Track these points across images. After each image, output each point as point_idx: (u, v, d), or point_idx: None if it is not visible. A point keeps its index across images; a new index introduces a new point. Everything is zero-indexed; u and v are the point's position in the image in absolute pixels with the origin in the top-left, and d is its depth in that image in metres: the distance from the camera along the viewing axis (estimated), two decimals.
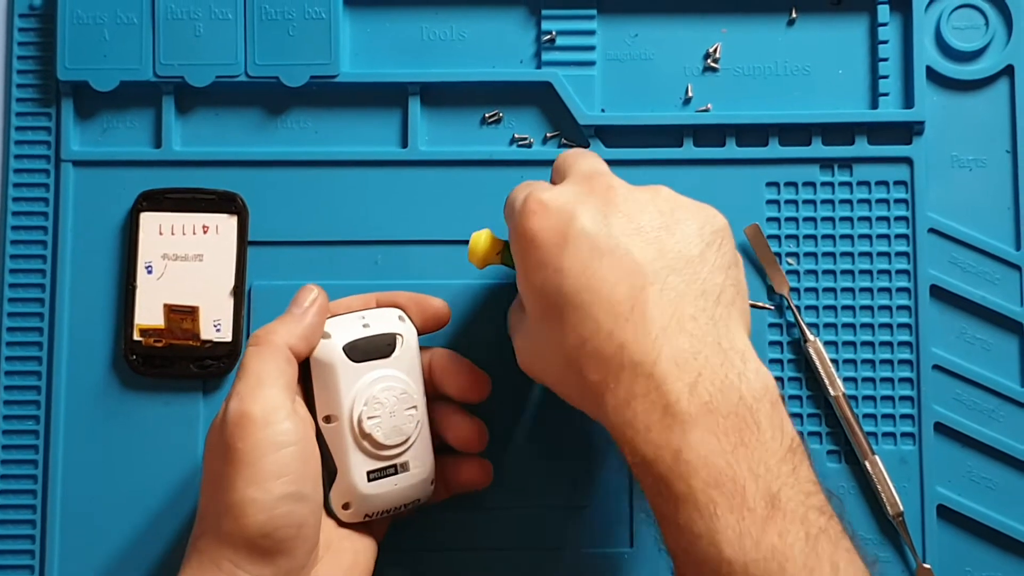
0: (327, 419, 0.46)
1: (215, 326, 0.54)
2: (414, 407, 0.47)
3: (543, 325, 0.43)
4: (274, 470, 0.41)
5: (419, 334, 0.49)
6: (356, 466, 0.46)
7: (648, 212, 0.43)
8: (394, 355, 0.47)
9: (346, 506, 0.47)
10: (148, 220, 0.55)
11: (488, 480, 0.50)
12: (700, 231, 0.44)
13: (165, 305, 0.54)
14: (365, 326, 0.47)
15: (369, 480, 0.46)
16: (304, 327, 0.46)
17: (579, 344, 0.41)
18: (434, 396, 0.50)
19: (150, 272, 0.55)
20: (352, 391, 0.46)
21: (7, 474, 0.54)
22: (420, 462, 0.48)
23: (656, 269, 0.42)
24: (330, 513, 0.47)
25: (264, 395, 0.42)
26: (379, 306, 0.49)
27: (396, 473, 0.47)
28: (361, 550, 0.47)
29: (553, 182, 0.48)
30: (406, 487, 0.47)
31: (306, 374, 0.46)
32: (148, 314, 0.54)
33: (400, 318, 0.48)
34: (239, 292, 0.55)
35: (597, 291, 0.41)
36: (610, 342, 0.40)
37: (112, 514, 0.54)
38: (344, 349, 0.46)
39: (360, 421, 0.45)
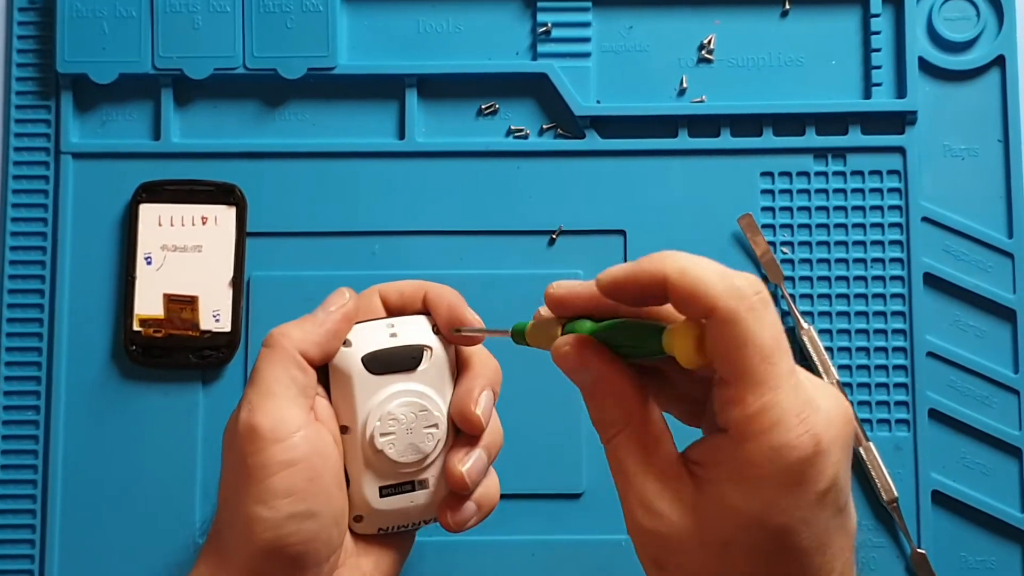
0: (344, 429, 0.43)
1: (214, 316, 0.55)
2: (435, 425, 0.43)
3: (745, 558, 0.34)
4: (282, 488, 0.40)
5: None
6: (369, 480, 0.43)
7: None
8: (419, 369, 0.43)
9: (358, 519, 0.44)
10: (147, 211, 0.55)
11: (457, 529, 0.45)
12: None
13: (165, 295, 0.55)
14: (392, 335, 0.43)
15: (381, 496, 0.43)
16: (322, 333, 0.42)
17: None
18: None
19: (149, 263, 0.55)
20: (367, 405, 0.43)
21: (8, 464, 0.55)
22: (439, 480, 0.44)
23: (855, 525, 0.36)
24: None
25: (273, 407, 0.40)
26: (428, 295, 0.45)
27: (413, 490, 0.44)
28: (382, 563, 0.45)
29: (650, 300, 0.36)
30: (424, 504, 0.44)
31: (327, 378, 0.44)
32: (148, 305, 0.55)
33: (435, 328, 0.44)
34: (238, 283, 0.55)
35: (824, 559, 0.34)
36: None
37: (112, 503, 0.54)
38: (363, 360, 0.43)
39: (373, 437, 0.43)
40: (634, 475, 0.35)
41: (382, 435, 0.43)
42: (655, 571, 0.36)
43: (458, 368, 0.44)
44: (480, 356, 0.44)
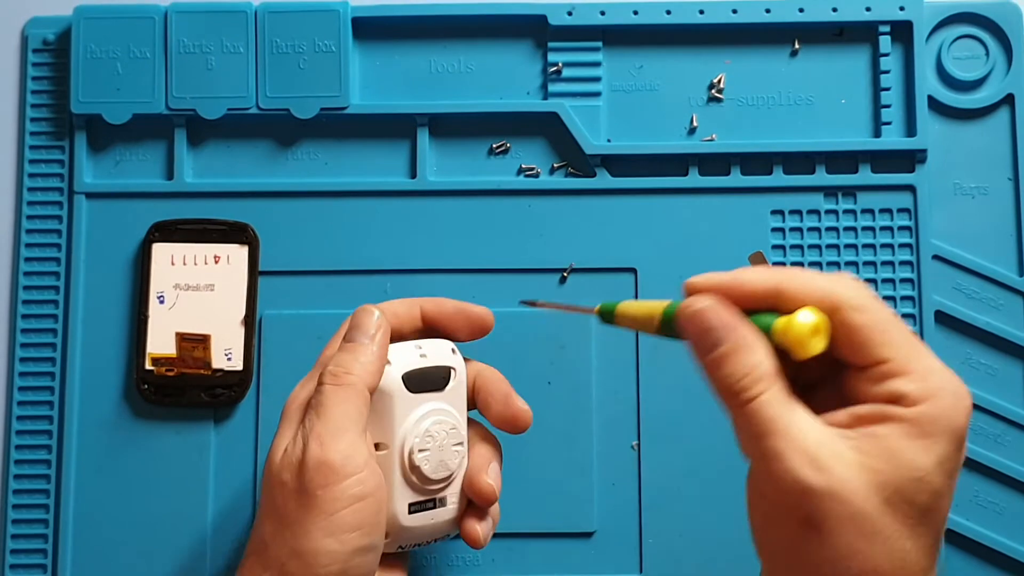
0: (377, 446, 0.44)
1: (226, 355, 0.55)
2: (460, 444, 0.46)
3: (900, 520, 0.35)
4: (352, 522, 0.41)
5: (464, 341, 0.48)
6: (400, 498, 0.44)
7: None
8: (447, 388, 0.46)
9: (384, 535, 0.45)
10: (160, 251, 0.56)
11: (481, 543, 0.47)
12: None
13: (177, 334, 0.55)
14: (422, 356, 0.46)
15: (410, 512, 0.45)
16: (376, 359, 0.44)
17: (901, 566, 0.35)
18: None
19: (162, 302, 0.55)
20: (407, 422, 0.44)
21: (20, 503, 0.55)
22: (455, 498, 0.46)
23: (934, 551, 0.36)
24: None
25: (345, 442, 0.41)
26: (424, 312, 0.48)
27: (435, 507, 0.46)
28: None
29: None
30: (441, 522, 0.46)
31: None
32: (160, 343, 0.55)
33: (453, 351, 0.47)
34: (250, 321, 0.55)
35: (943, 520, 0.36)
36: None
37: (124, 542, 0.54)
38: (403, 379, 0.45)
39: (412, 453, 0.44)
40: (798, 429, 0.35)
41: (420, 451, 0.44)
42: (805, 531, 0.35)
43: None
44: (486, 432, 0.48)
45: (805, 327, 0.35)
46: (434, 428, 0.45)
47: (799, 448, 0.34)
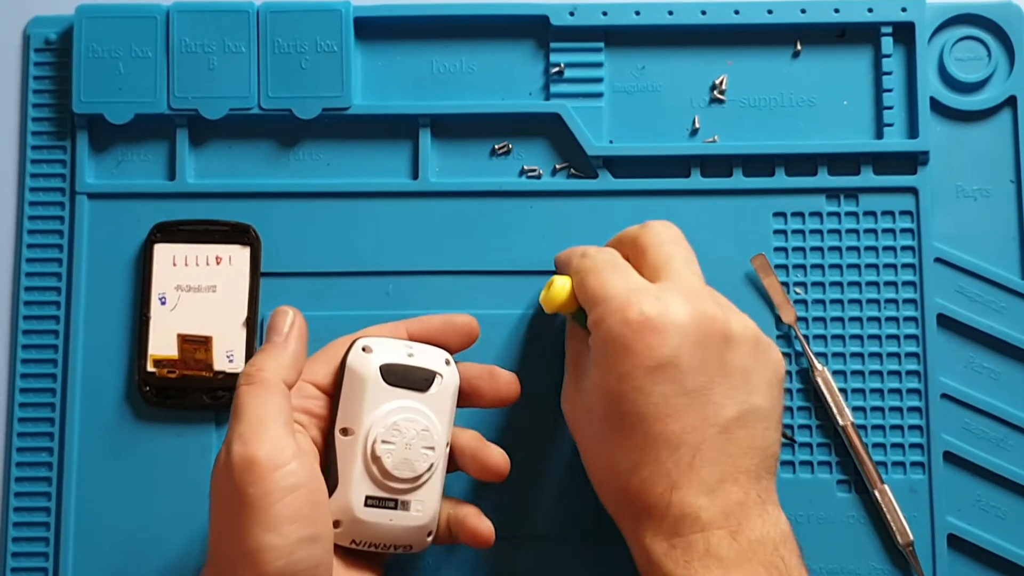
0: (344, 431, 0.45)
1: (228, 357, 0.55)
2: (431, 448, 0.46)
3: (602, 424, 0.44)
4: (288, 514, 0.40)
5: (452, 352, 0.49)
6: (357, 486, 0.45)
7: (739, 356, 0.44)
8: (428, 392, 0.46)
9: (336, 524, 0.45)
10: (162, 251, 0.56)
11: (490, 541, 0.49)
12: (770, 383, 0.45)
13: (179, 335, 0.55)
14: (410, 355, 0.47)
15: (365, 505, 0.45)
16: (290, 355, 0.45)
17: (632, 467, 0.43)
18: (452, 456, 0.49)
19: (164, 303, 0.55)
20: (376, 411, 0.45)
21: (21, 506, 0.55)
22: (422, 508, 0.46)
23: (729, 419, 0.43)
24: None
25: (268, 437, 0.41)
26: (410, 333, 0.49)
27: (395, 508, 0.45)
28: None
29: (628, 256, 0.49)
30: (401, 527, 0.46)
31: (339, 381, 0.46)
32: (162, 345, 0.55)
33: (447, 362, 0.47)
34: (252, 323, 0.55)
35: (669, 429, 0.43)
36: (665, 480, 0.42)
37: (125, 544, 0.54)
38: (381, 368, 0.45)
39: (375, 442, 0.45)
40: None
41: (383, 443, 0.44)
42: (576, 436, 0.47)
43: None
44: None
45: (545, 289, 0.48)
46: (403, 424, 0.45)
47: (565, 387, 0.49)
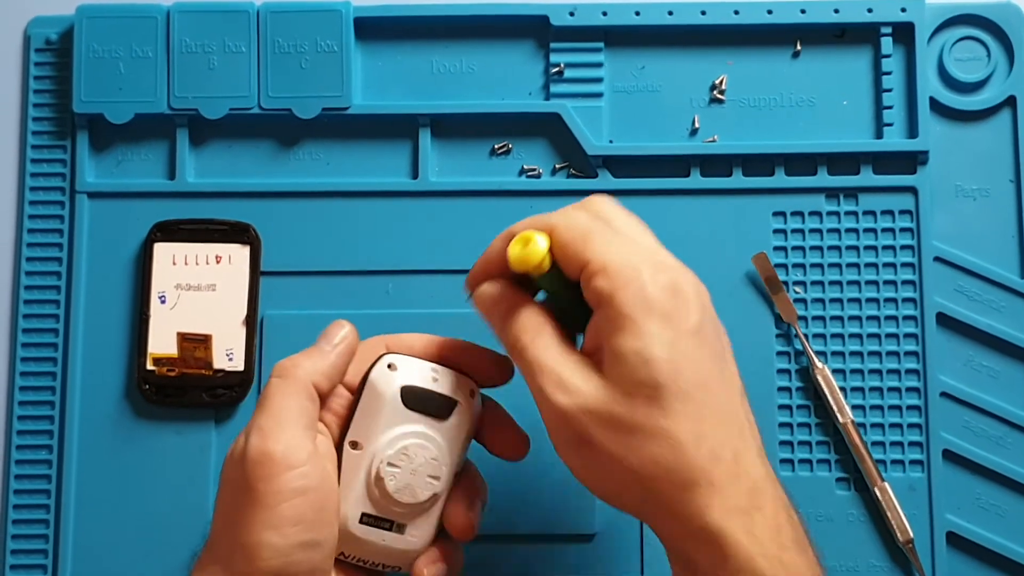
0: (353, 444, 0.44)
1: (227, 355, 0.55)
2: (437, 478, 0.44)
3: (638, 399, 0.39)
4: (292, 515, 0.40)
5: (481, 385, 0.46)
6: (355, 501, 0.44)
7: (716, 322, 0.42)
8: (447, 422, 0.44)
9: None
10: (162, 250, 0.56)
11: (468, 536, 0.46)
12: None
13: (178, 334, 0.55)
14: (434, 380, 0.44)
15: (360, 521, 0.44)
16: (329, 365, 0.44)
17: (695, 438, 0.39)
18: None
19: (163, 302, 0.55)
20: (388, 432, 0.43)
21: (21, 503, 0.55)
22: (418, 534, 0.45)
23: (741, 383, 0.41)
24: None
25: (286, 434, 0.41)
26: (445, 352, 0.46)
27: (389, 529, 0.44)
28: None
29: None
30: (392, 549, 0.44)
31: (359, 390, 0.45)
32: (161, 343, 0.55)
33: (471, 393, 0.45)
34: (251, 322, 0.55)
35: (719, 394, 0.40)
36: (726, 448, 0.39)
37: (124, 542, 0.54)
38: (402, 389, 0.44)
39: (381, 463, 0.43)
40: (553, 362, 0.41)
41: (389, 465, 0.43)
42: (577, 448, 0.40)
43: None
44: (476, 473, 0.47)
45: (516, 245, 0.41)
46: (413, 450, 0.43)
47: (552, 379, 0.40)
